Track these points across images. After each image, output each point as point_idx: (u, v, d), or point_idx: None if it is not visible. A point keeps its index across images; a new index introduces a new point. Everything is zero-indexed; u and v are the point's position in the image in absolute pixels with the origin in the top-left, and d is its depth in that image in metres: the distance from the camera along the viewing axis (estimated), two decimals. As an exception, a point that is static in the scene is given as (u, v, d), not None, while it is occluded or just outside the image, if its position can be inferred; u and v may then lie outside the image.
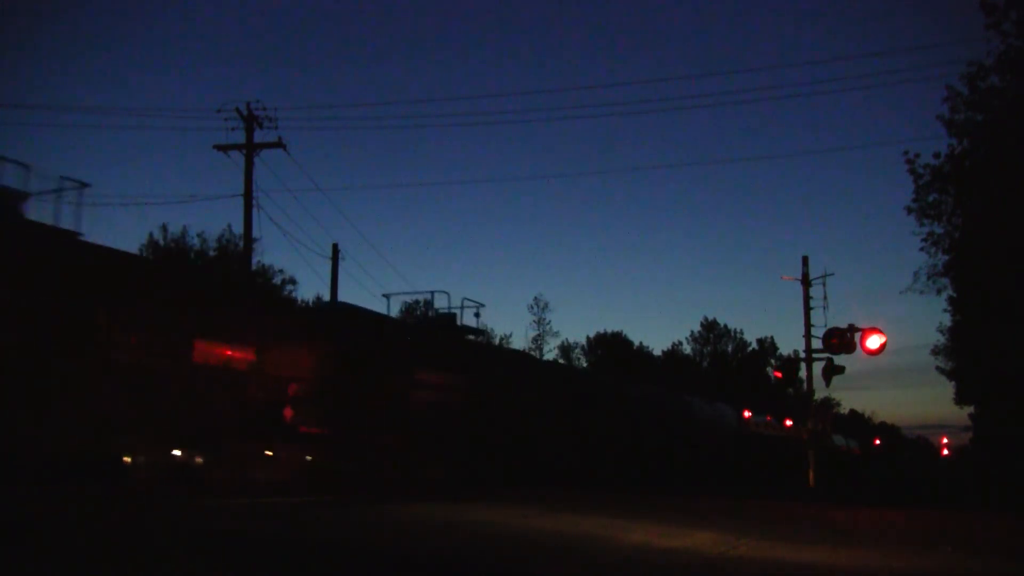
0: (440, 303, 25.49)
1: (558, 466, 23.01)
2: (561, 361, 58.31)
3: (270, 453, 15.63)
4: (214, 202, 64.32)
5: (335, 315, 19.53)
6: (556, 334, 60.60)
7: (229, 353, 14.73)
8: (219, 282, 16.04)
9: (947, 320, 36.41)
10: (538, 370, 28.01)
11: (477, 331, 25.10)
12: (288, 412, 15.74)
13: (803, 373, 24.93)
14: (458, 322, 24.09)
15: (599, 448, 25.73)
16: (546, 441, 23.04)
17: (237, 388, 14.70)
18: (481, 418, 20.69)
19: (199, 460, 14.08)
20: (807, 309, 24.48)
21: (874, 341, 21.54)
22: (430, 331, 23.48)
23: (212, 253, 37.33)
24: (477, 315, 25.13)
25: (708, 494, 20.86)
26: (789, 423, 50.26)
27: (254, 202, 25.68)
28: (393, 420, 18.05)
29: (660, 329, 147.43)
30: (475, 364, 22.20)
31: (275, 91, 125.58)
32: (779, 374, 27.62)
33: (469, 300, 25.81)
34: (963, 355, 36.86)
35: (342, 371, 16.83)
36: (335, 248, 29.42)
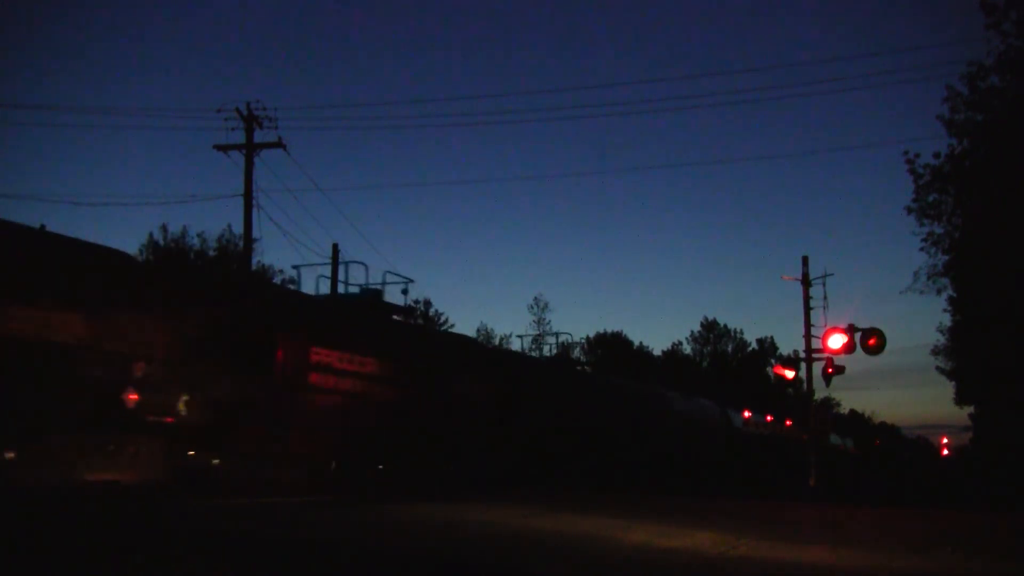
0: (357, 276, 21.64)
1: (495, 463, 20.86)
2: (556, 355, 57.85)
3: (112, 447, 13.02)
4: (214, 202, 64.33)
5: (205, 282, 16.38)
6: (556, 334, 60.68)
7: (50, 323, 12.13)
8: (32, 235, 12.67)
9: (947, 320, 36.48)
10: (484, 357, 24.97)
11: (406, 310, 22.16)
12: (133, 396, 13.29)
13: (803, 373, 24.94)
14: (410, 302, 21.76)
15: (551, 443, 23.20)
16: (486, 435, 20.58)
17: (64, 367, 12.22)
18: (408, 408, 18.12)
19: (9, 455, 11.78)
20: (807, 309, 24.46)
21: (873, 341, 21.54)
22: (339, 307, 20.10)
23: (212, 253, 37.32)
24: (405, 292, 22.57)
25: (708, 494, 20.85)
26: (788, 423, 50.28)
27: (254, 202, 25.73)
28: (287, 409, 15.33)
29: (660, 329, 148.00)
30: (402, 347, 19.38)
31: (275, 91, 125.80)
32: (780, 370, 27.56)
33: (394, 274, 22.86)
34: (963, 355, 36.88)
35: (217, 350, 14.16)
36: (335, 248, 29.41)
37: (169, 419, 13.66)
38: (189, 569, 6.94)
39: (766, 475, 35.09)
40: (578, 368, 31.45)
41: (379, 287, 21.69)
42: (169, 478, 13.31)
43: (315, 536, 9.23)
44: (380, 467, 18.36)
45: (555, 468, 22.81)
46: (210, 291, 15.80)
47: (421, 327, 21.93)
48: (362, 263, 21.98)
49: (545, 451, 22.77)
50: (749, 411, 43.77)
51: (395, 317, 21.48)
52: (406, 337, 20.69)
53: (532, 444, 22.19)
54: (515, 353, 33.59)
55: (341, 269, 21.54)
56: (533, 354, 52.01)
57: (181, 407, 13.89)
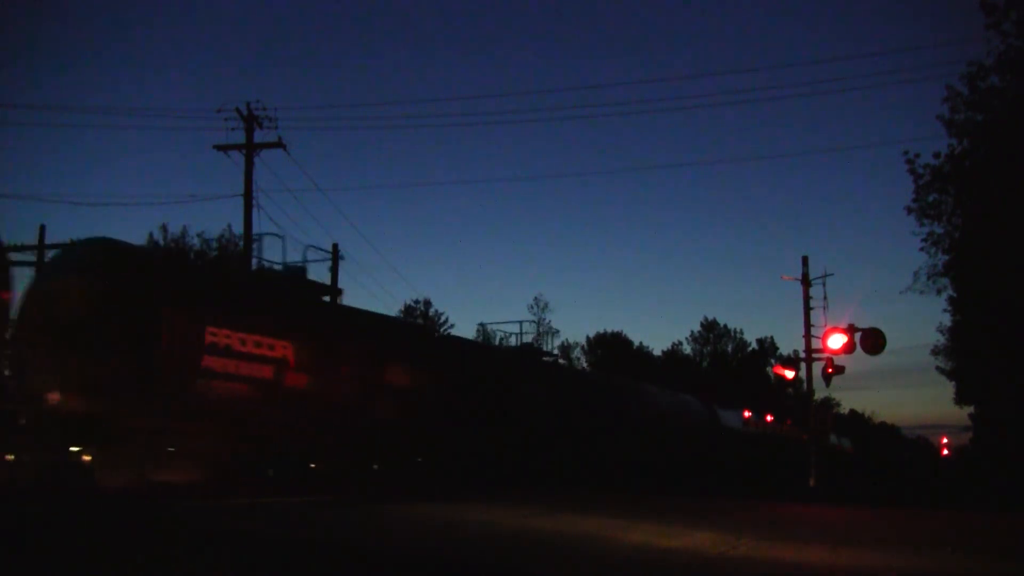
0: (273, 253, 19.67)
1: (439, 462, 19.53)
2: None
3: None
4: (214, 202, 64.54)
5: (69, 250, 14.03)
6: (556, 334, 60.72)
7: None
8: None
9: (947, 320, 36.50)
10: (434, 344, 22.43)
11: (333, 289, 20.00)
12: None
13: (803, 373, 24.96)
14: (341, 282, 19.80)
15: (508, 440, 21.53)
16: (430, 430, 18.87)
17: None
18: (336, 400, 16.26)
19: None
20: (807, 309, 24.49)
21: (873, 341, 21.57)
22: (248, 283, 17.75)
23: (212, 253, 37.32)
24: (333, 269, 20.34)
25: (707, 494, 20.85)
26: (788, 423, 50.26)
27: (254, 202, 25.74)
28: (175, 398, 13.26)
29: (660, 329, 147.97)
30: (329, 330, 17.26)
31: (275, 91, 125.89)
32: (780, 370, 27.53)
33: (318, 249, 20.78)
34: (963, 355, 36.89)
35: (87, 329, 12.41)
36: (335, 248, 29.44)
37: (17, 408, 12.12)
38: (189, 569, 6.93)
39: (763, 475, 34.78)
40: (547, 359, 28.75)
41: (303, 264, 19.77)
42: (27, 477, 11.96)
43: (315, 536, 9.23)
44: (312, 465, 16.69)
45: (505, 466, 21.32)
46: (76, 258, 13.66)
47: (353, 309, 19.89)
48: (278, 235, 19.63)
49: (496, 447, 21.12)
50: (749, 411, 43.74)
51: (327, 298, 19.63)
52: (335, 319, 18.55)
53: (481, 439, 20.62)
54: (471, 342, 31.55)
55: (253, 243, 18.84)
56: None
57: (42, 395, 12.28)
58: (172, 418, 13.31)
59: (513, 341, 30.49)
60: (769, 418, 47.18)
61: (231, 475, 14.21)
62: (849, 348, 22.11)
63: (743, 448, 39.89)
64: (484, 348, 28.54)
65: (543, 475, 21.84)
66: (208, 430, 13.88)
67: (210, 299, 14.67)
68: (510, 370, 23.80)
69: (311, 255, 20.56)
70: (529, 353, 27.33)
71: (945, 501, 21.20)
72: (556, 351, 61.85)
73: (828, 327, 23.00)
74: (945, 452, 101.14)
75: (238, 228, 30.10)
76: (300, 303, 17.71)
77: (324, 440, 16.28)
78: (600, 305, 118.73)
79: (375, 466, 18.28)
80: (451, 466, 19.85)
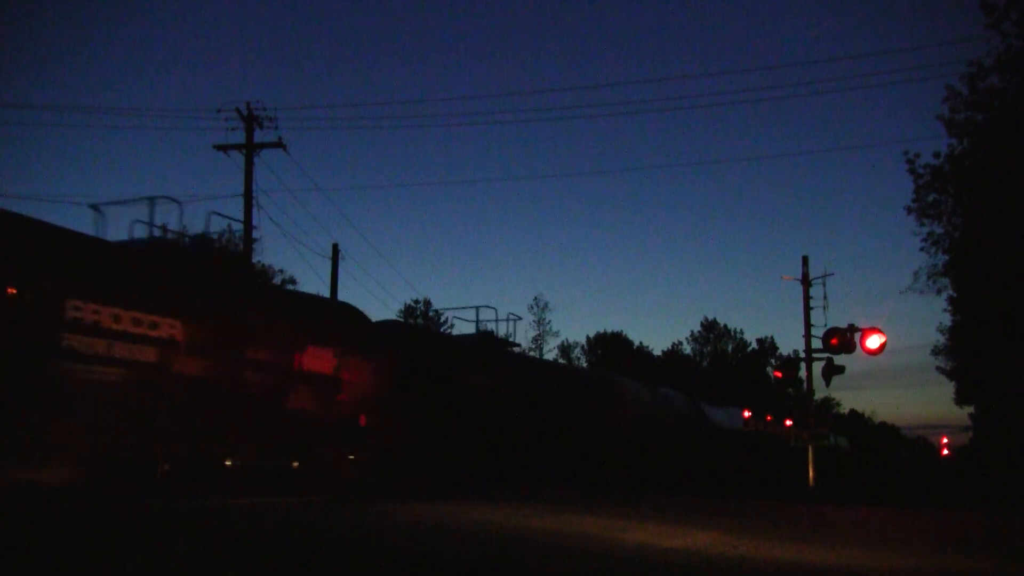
0: (166, 219, 17.53)
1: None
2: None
3: None
4: (214, 202, 64.57)
5: None
6: (556, 334, 60.95)
7: None
8: None
9: (947, 320, 36.58)
10: (364, 329, 19.80)
11: (238, 258, 18.50)
12: None
13: (803, 373, 24.95)
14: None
15: (457, 435, 20.36)
16: (368, 424, 17.59)
17: None
18: (232, 386, 14.69)
19: None
20: (807, 309, 24.47)
21: (874, 341, 21.54)
22: (129, 253, 15.62)
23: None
24: (248, 242, 18.84)
25: (707, 495, 20.87)
26: (789, 423, 50.18)
27: (254, 202, 25.80)
28: (23, 383, 11.78)
29: (660, 329, 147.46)
30: (227, 308, 15.28)
31: (275, 91, 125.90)
32: (779, 374, 27.55)
33: (223, 216, 19.22)
34: (963, 355, 36.93)
35: None
36: (335, 248, 29.51)
37: None
38: (188, 569, 6.93)
39: (759, 475, 34.59)
40: (508, 349, 26.63)
41: (214, 235, 18.07)
42: None
43: (315, 536, 9.23)
44: (228, 463, 15.32)
45: (455, 463, 20.11)
46: None
47: (267, 284, 17.77)
48: (175, 200, 17.36)
49: (444, 441, 19.89)
50: (749, 410, 43.81)
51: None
52: (241, 297, 16.70)
53: (427, 433, 19.30)
54: (417, 328, 29.24)
55: (143, 208, 16.75)
56: (532, 354, 52.10)
57: None
58: (22, 407, 11.74)
59: (504, 328, 29.26)
60: (768, 418, 47.24)
61: (112, 472, 12.87)
62: (849, 348, 22.09)
63: (734, 446, 39.41)
64: (431, 335, 26.82)
65: (499, 473, 20.81)
66: (72, 420, 12.22)
67: (73, 268, 12.75)
68: (463, 360, 22.22)
69: (219, 224, 19.25)
70: (488, 342, 25.76)
71: (945, 501, 21.22)
72: (556, 350, 61.91)
73: (828, 327, 23.00)
74: (945, 452, 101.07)
75: (238, 228, 30.14)
76: (195, 277, 15.54)
77: (230, 434, 14.73)
78: (600, 305, 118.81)
79: (295, 464, 16.85)
80: (390, 464, 18.56)
